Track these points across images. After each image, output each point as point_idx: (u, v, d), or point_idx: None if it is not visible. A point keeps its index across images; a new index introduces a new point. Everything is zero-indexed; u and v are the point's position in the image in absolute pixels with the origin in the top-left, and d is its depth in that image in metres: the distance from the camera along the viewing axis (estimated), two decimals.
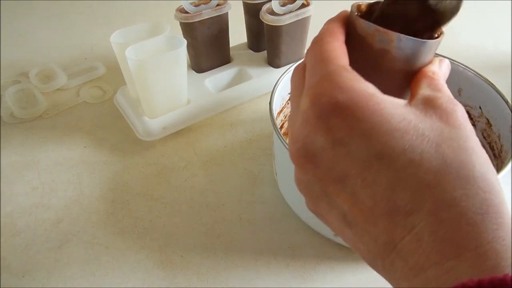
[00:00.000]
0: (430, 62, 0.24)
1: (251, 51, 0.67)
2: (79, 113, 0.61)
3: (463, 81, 0.48)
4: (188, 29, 0.57)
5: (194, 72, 0.62)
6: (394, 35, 0.22)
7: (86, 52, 0.74)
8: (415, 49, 0.23)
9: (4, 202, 0.49)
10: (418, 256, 0.19)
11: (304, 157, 0.21)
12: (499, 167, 0.42)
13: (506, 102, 0.42)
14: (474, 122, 0.48)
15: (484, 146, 0.47)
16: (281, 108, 0.49)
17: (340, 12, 0.25)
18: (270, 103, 0.43)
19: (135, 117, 0.55)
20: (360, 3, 0.25)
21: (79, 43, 0.77)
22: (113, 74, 0.67)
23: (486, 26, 0.81)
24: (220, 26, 0.59)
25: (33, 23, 0.84)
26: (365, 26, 0.23)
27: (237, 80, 0.63)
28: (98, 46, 0.75)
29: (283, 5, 0.57)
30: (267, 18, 0.56)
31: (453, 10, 0.23)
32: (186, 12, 0.55)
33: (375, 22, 0.23)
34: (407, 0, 0.23)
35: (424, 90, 0.22)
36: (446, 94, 0.22)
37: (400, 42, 0.22)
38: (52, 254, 0.43)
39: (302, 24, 0.59)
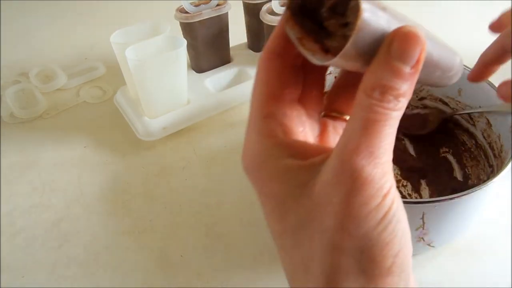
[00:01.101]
0: (376, 55, 0.17)
1: (251, 51, 0.67)
2: (79, 113, 0.61)
3: (463, 81, 0.48)
4: (188, 29, 0.56)
5: (194, 72, 0.62)
6: (302, 39, 0.19)
7: (86, 52, 0.74)
8: (336, 64, 0.18)
9: (4, 202, 0.49)
10: None
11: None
12: (499, 167, 0.42)
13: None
14: (474, 122, 0.48)
15: (484, 146, 0.47)
16: None
17: (281, 20, 0.21)
18: None
19: (135, 117, 0.55)
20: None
21: (79, 43, 0.76)
22: (113, 74, 0.67)
23: (486, 26, 0.81)
24: (220, 26, 0.59)
25: (33, 23, 0.84)
26: (287, 17, 0.20)
27: (237, 80, 0.63)
28: (98, 46, 0.75)
29: (283, 5, 0.57)
30: (267, 18, 0.56)
31: None
32: (186, 12, 0.55)
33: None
34: None
35: (334, 153, 0.18)
36: (347, 151, 0.17)
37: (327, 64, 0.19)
38: (52, 254, 0.43)
39: None
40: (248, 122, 0.21)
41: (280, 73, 0.21)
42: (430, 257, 0.42)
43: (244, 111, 0.60)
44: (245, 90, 0.61)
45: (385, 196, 0.17)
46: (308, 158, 0.19)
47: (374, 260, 0.18)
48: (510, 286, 0.39)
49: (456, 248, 0.43)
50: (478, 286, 0.40)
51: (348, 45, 0.16)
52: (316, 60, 0.18)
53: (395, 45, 0.16)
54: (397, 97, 0.17)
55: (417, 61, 0.17)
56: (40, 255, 0.43)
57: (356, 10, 0.16)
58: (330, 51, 0.18)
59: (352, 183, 0.17)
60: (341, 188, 0.17)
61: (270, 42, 0.21)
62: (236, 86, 0.60)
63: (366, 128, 0.17)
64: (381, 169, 0.17)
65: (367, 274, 0.18)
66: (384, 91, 0.17)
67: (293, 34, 0.20)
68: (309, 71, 0.22)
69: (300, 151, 0.20)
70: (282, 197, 0.20)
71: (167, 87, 0.53)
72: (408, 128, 0.53)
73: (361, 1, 0.16)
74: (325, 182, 0.18)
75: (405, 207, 0.34)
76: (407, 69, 0.17)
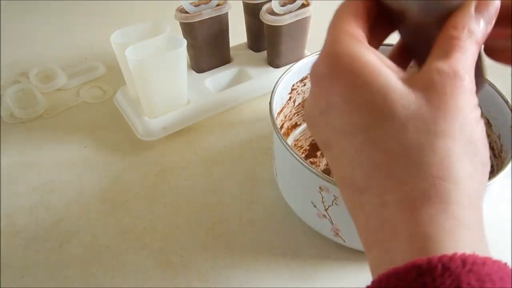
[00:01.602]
0: (459, 9, 0.21)
1: (251, 51, 0.67)
2: (79, 113, 0.61)
3: None
4: (188, 29, 0.57)
5: (194, 72, 0.62)
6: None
7: (86, 52, 0.74)
8: (424, 4, 0.21)
9: (4, 202, 0.49)
10: (366, 235, 0.21)
11: (306, 119, 0.23)
12: (499, 167, 0.42)
13: (506, 102, 0.42)
14: None
15: None
16: (281, 108, 0.49)
17: None
18: (270, 103, 0.43)
19: (135, 117, 0.55)
20: None
21: (79, 43, 0.76)
22: (113, 74, 0.67)
23: None
24: (220, 26, 0.59)
25: (33, 23, 0.84)
26: None
27: (237, 80, 0.63)
28: (98, 46, 0.75)
29: (283, 5, 0.57)
30: (267, 18, 0.56)
31: None
32: (186, 12, 0.55)
33: None
34: None
35: (432, 58, 0.20)
36: (447, 63, 0.20)
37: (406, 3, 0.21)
38: (52, 254, 0.43)
39: (302, 24, 0.59)
40: (327, 42, 0.22)
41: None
42: None
43: (244, 111, 0.60)
44: (245, 90, 0.61)
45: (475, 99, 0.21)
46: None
47: (479, 153, 0.20)
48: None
49: None
50: None
51: None
52: None
53: (486, 4, 0.21)
54: (478, 37, 0.21)
55: (493, 18, 0.21)
56: (40, 255, 0.43)
57: None
58: None
59: (460, 81, 0.20)
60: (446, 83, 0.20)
61: None
62: (236, 86, 0.60)
63: (457, 51, 0.20)
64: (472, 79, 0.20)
65: (474, 162, 0.20)
66: (470, 30, 0.20)
67: None
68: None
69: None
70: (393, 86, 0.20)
71: (167, 87, 0.53)
72: None
73: None
74: (429, 81, 0.20)
75: None
76: (485, 22, 0.21)
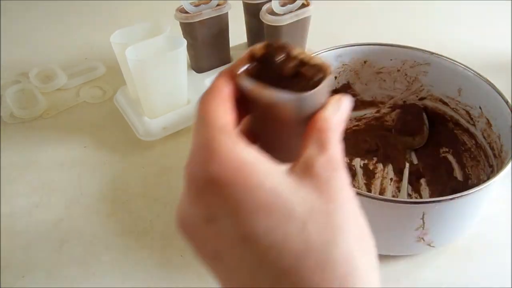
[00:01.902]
0: (325, 105, 0.22)
1: None
2: (79, 113, 0.61)
3: (463, 81, 0.48)
4: (188, 29, 0.57)
5: (194, 72, 0.62)
6: (273, 95, 0.21)
7: (86, 52, 0.74)
8: (299, 102, 0.21)
9: (4, 202, 0.49)
10: None
11: (182, 227, 0.20)
12: (499, 167, 0.42)
13: (506, 102, 0.42)
14: (474, 122, 0.48)
15: (484, 146, 0.47)
16: None
17: (231, 65, 0.23)
18: None
19: (135, 117, 0.55)
20: (255, 51, 0.23)
21: (79, 43, 0.76)
22: (113, 74, 0.67)
23: (486, 26, 0.81)
24: (220, 26, 0.59)
25: (33, 23, 0.84)
26: (245, 84, 0.22)
27: None
28: (98, 46, 0.75)
29: (283, 5, 0.57)
30: (267, 18, 0.56)
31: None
32: (186, 12, 0.55)
33: (260, 71, 0.22)
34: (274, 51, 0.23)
35: (310, 150, 0.21)
36: (328, 155, 0.20)
37: (281, 101, 0.21)
38: (52, 254, 0.43)
39: (302, 24, 0.59)
40: (200, 143, 0.20)
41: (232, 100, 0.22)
42: (430, 257, 0.42)
43: None
44: None
45: None
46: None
47: (369, 241, 0.21)
48: (510, 286, 0.39)
49: (456, 248, 0.43)
50: (478, 286, 0.40)
51: (323, 83, 0.22)
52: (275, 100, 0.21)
53: (343, 102, 0.23)
54: (338, 134, 0.22)
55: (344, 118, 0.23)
56: (40, 255, 0.43)
57: (325, 67, 0.22)
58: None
59: (342, 173, 0.21)
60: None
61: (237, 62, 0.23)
62: None
63: (323, 145, 0.21)
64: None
65: (367, 251, 0.21)
66: (333, 126, 0.22)
67: (247, 85, 0.22)
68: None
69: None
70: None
71: (167, 87, 0.53)
72: (401, 131, 0.53)
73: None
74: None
75: (406, 207, 0.35)
76: (344, 116, 0.23)
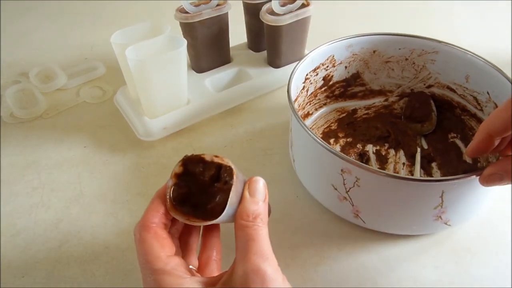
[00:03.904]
0: (241, 199, 0.28)
1: (251, 51, 0.67)
2: (79, 113, 0.61)
3: (470, 68, 0.49)
4: (188, 29, 0.57)
5: (194, 72, 0.62)
6: (199, 224, 0.27)
7: (86, 52, 0.74)
8: (221, 220, 0.27)
9: (4, 202, 0.49)
10: None
11: None
12: None
13: None
14: (481, 107, 0.49)
15: None
16: (295, 98, 0.50)
17: (161, 190, 0.30)
18: (288, 91, 0.44)
19: (135, 117, 0.55)
20: (176, 170, 0.31)
21: (79, 43, 0.77)
22: (113, 74, 0.67)
23: (486, 26, 0.81)
24: (220, 26, 0.59)
25: (33, 23, 0.84)
26: (179, 218, 0.28)
27: (237, 80, 0.63)
28: (98, 46, 0.75)
29: (283, 5, 0.57)
30: (267, 18, 0.56)
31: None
32: (186, 12, 0.55)
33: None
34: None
35: (237, 248, 0.26)
36: (251, 254, 0.25)
37: (207, 225, 0.28)
38: (52, 254, 0.43)
39: (302, 24, 0.59)
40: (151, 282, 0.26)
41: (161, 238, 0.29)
42: (430, 256, 0.42)
43: (244, 111, 0.60)
44: (245, 90, 0.61)
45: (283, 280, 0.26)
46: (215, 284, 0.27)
47: None
48: (510, 286, 0.39)
49: (456, 248, 0.43)
50: (478, 286, 0.40)
51: (231, 192, 0.28)
52: (206, 224, 0.28)
53: (254, 187, 0.28)
54: (262, 218, 0.27)
55: (265, 196, 0.29)
56: (40, 255, 0.43)
57: (231, 171, 0.29)
58: (210, 218, 0.28)
59: (262, 281, 0.25)
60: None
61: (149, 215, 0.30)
62: (236, 86, 0.60)
63: (253, 240, 0.26)
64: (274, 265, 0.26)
65: None
66: (255, 216, 0.27)
67: (180, 218, 0.29)
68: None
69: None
70: None
71: (167, 87, 0.53)
72: (410, 118, 0.55)
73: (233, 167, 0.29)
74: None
75: (426, 186, 0.38)
76: (261, 201, 0.28)
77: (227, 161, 0.30)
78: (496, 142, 0.35)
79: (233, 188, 0.27)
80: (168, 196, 0.30)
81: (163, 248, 0.27)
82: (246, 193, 0.27)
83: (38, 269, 0.42)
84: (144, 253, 0.27)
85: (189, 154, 0.31)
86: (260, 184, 0.28)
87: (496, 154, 0.43)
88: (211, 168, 0.30)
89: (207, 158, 0.30)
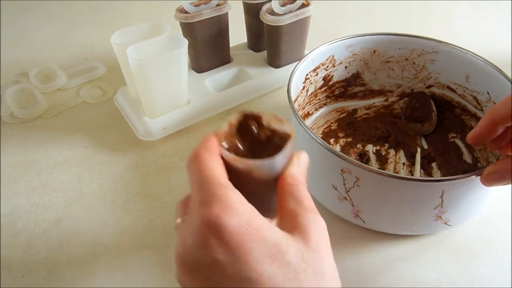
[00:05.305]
0: (290, 163, 0.28)
1: (251, 51, 0.67)
2: (79, 113, 0.61)
3: (471, 68, 0.49)
4: (188, 29, 0.57)
5: (194, 72, 0.62)
6: (249, 163, 0.26)
7: (86, 52, 0.74)
8: (271, 165, 0.27)
9: (4, 202, 0.49)
10: None
11: (184, 264, 0.23)
12: None
13: None
14: (481, 107, 0.49)
15: None
16: (295, 98, 0.50)
17: (215, 131, 0.29)
18: (288, 91, 0.44)
19: (135, 117, 0.55)
20: (231, 121, 0.29)
21: (79, 43, 0.77)
22: (113, 74, 0.67)
23: (486, 26, 0.81)
24: (220, 26, 0.59)
25: (33, 23, 0.84)
26: (226, 154, 0.27)
27: (237, 80, 0.63)
28: (98, 46, 0.75)
29: (283, 5, 0.57)
30: (267, 18, 0.56)
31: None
32: (186, 12, 0.55)
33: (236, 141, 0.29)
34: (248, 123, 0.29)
35: (288, 204, 0.26)
36: (304, 205, 0.25)
37: (255, 166, 0.26)
38: (52, 254, 0.43)
39: (302, 24, 0.59)
40: (212, 195, 0.24)
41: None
42: (430, 256, 0.42)
43: None
44: (245, 90, 0.61)
45: None
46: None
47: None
48: (510, 286, 0.39)
49: (456, 248, 0.43)
50: (478, 286, 0.40)
51: (287, 146, 0.26)
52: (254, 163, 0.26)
53: (302, 157, 0.28)
54: (304, 184, 0.27)
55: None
56: (40, 255, 0.43)
57: (288, 133, 0.28)
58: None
59: (321, 223, 0.26)
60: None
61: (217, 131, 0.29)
62: (236, 86, 0.60)
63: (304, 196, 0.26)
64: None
65: None
66: (301, 180, 0.27)
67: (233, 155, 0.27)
68: None
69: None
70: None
71: (167, 87, 0.53)
72: (410, 118, 0.55)
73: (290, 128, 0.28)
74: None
75: (426, 186, 0.38)
76: (306, 170, 0.28)
77: (286, 126, 0.29)
78: (499, 131, 0.35)
79: (287, 146, 0.27)
80: (221, 136, 0.29)
81: (224, 171, 0.26)
82: (296, 160, 0.28)
83: (38, 269, 0.42)
84: (207, 168, 0.25)
85: (249, 111, 0.29)
86: (307, 157, 0.29)
87: (496, 150, 0.43)
88: (267, 129, 0.29)
89: (266, 119, 0.29)
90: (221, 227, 0.22)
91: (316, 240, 0.24)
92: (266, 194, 0.28)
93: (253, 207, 0.24)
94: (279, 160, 0.27)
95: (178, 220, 0.27)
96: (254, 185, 0.27)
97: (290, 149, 0.27)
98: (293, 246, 0.23)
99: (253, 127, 0.29)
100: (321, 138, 0.51)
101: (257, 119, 0.29)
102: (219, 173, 0.25)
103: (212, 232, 0.22)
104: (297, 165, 0.28)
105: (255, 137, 0.29)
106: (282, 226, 0.25)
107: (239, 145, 0.29)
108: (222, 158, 0.27)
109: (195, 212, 0.23)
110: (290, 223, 0.25)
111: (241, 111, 0.29)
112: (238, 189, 0.25)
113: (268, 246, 0.23)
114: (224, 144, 0.28)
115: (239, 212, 0.23)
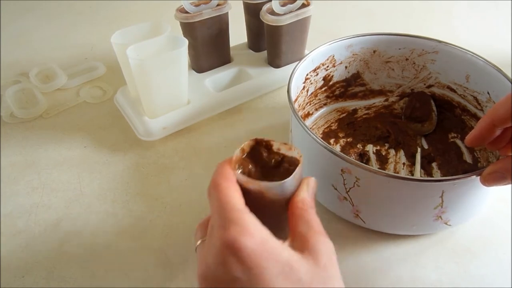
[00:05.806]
0: (300, 188, 0.30)
1: (251, 51, 0.67)
2: (79, 113, 0.61)
3: (471, 68, 0.49)
4: (188, 29, 0.57)
5: (194, 72, 0.62)
6: (261, 184, 0.28)
7: (86, 52, 0.74)
8: (281, 187, 0.29)
9: (4, 202, 0.49)
10: None
11: (207, 280, 0.26)
12: None
13: None
14: (482, 107, 0.49)
15: None
16: (295, 98, 0.49)
17: (228, 158, 0.30)
18: (288, 91, 0.44)
19: (135, 117, 0.55)
20: (244, 147, 0.31)
21: (79, 43, 0.77)
22: (113, 74, 0.67)
23: (486, 26, 0.81)
24: (220, 26, 0.59)
25: (33, 23, 0.84)
26: (240, 178, 0.29)
27: (237, 80, 0.63)
28: (98, 46, 0.75)
29: (283, 5, 0.57)
30: (267, 18, 0.56)
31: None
32: (186, 12, 0.55)
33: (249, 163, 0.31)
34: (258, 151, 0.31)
35: (300, 227, 0.28)
36: (314, 228, 0.28)
37: (267, 188, 0.28)
38: (52, 254, 0.43)
39: (302, 24, 0.59)
40: (231, 220, 0.26)
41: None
42: (430, 256, 0.42)
43: (244, 111, 0.60)
44: (245, 90, 0.61)
45: None
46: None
47: None
48: (510, 286, 0.39)
49: (456, 248, 0.43)
50: (478, 286, 0.40)
51: (296, 171, 0.29)
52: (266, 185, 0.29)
53: (311, 183, 0.31)
54: (313, 208, 0.30)
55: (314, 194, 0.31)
56: (40, 255, 0.43)
57: (297, 159, 0.31)
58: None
59: (329, 242, 0.28)
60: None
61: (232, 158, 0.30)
62: (236, 86, 0.60)
63: (310, 221, 0.28)
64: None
65: None
66: (310, 205, 0.29)
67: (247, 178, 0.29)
68: None
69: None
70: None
71: (168, 86, 0.53)
72: (410, 118, 0.55)
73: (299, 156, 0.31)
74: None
75: (426, 186, 0.39)
76: (314, 195, 0.31)
77: (295, 151, 0.31)
78: (497, 133, 0.35)
79: (297, 171, 0.29)
80: (235, 162, 0.31)
81: (241, 197, 0.28)
82: (305, 186, 0.30)
83: (38, 269, 0.42)
84: (227, 195, 0.27)
85: (259, 138, 0.32)
86: (315, 183, 0.31)
87: (496, 150, 0.43)
88: (277, 155, 0.32)
89: (275, 146, 0.32)
90: (239, 248, 0.24)
91: (325, 260, 0.26)
92: (278, 215, 0.30)
93: (267, 230, 0.26)
94: (288, 183, 0.29)
95: (199, 242, 0.30)
96: (267, 206, 0.29)
97: (299, 173, 0.30)
98: (304, 265, 0.25)
99: (264, 152, 0.32)
100: (321, 138, 0.51)
101: (267, 145, 0.32)
102: (237, 200, 0.27)
103: (231, 252, 0.24)
104: (306, 191, 0.30)
105: (266, 162, 0.31)
106: (294, 247, 0.27)
107: (252, 169, 0.31)
108: (237, 181, 0.29)
109: (215, 235, 0.26)
110: (301, 244, 0.27)
111: (252, 138, 0.31)
112: (253, 210, 0.27)
113: (282, 265, 0.25)
114: (238, 168, 0.30)
115: (255, 234, 0.25)
